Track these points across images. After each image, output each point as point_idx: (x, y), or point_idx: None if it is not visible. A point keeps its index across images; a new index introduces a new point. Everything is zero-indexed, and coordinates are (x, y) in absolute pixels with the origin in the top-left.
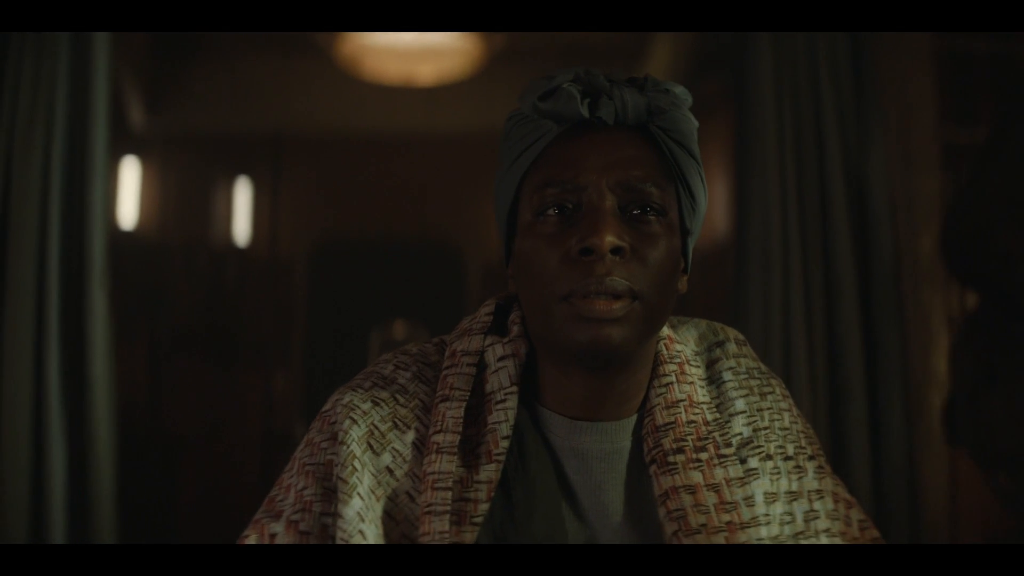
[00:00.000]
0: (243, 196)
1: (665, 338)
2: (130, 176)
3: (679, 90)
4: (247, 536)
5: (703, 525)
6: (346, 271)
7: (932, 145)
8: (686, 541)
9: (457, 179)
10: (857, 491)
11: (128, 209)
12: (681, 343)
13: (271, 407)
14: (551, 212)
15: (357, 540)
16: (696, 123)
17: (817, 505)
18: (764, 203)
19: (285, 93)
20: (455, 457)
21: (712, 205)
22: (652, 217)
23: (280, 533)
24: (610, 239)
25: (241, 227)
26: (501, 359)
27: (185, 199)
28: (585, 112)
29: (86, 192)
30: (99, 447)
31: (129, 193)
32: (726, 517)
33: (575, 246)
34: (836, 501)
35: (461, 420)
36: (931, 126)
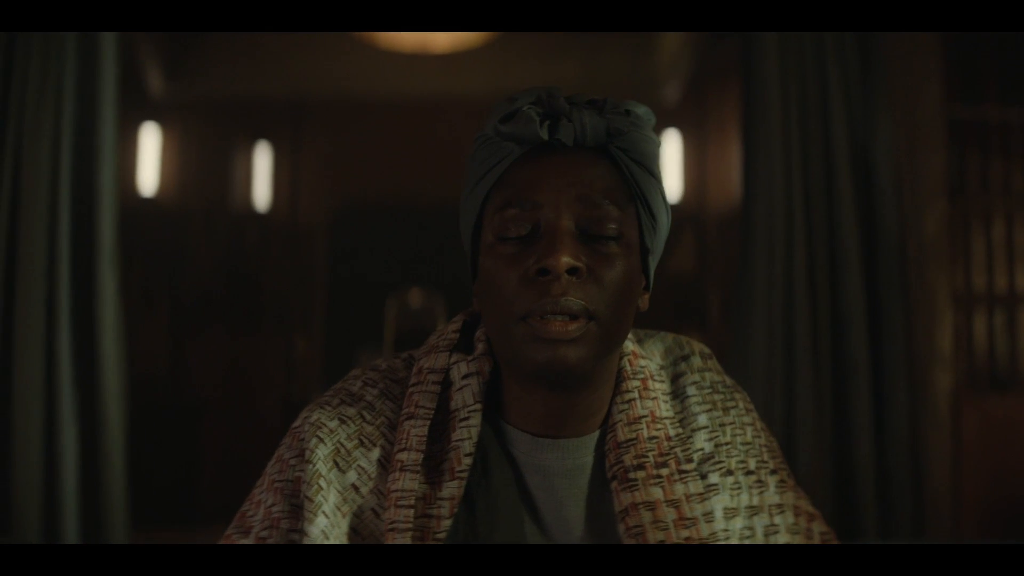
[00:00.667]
0: (263, 162)
1: (629, 353)
2: (150, 143)
3: (641, 110)
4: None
5: (661, 542)
6: (366, 236)
7: (938, 122)
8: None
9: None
10: (861, 467)
11: (148, 175)
12: (646, 358)
13: (292, 371)
14: (511, 233)
15: None
16: (659, 142)
17: (778, 519)
18: (769, 180)
19: (304, 59)
20: (418, 475)
21: (727, 172)
22: (610, 238)
23: None
24: (566, 259)
25: (261, 192)
26: (465, 377)
27: (205, 165)
28: (544, 134)
29: (96, 173)
30: (110, 427)
31: (149, 159)
32: (685, 533)
33: (532, 266)
34: (797, 515)
35: (425, 438)
36: (937, 103)
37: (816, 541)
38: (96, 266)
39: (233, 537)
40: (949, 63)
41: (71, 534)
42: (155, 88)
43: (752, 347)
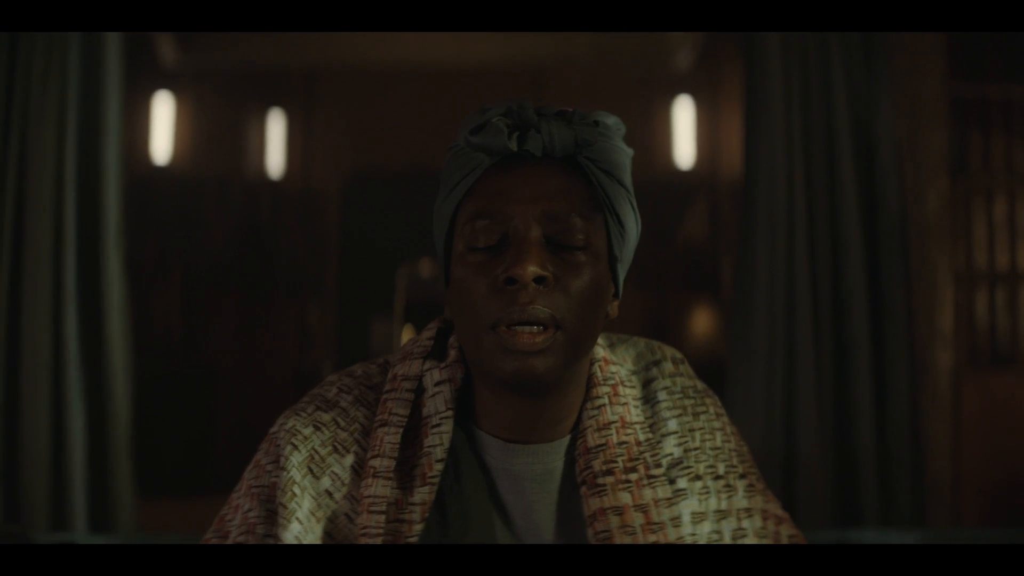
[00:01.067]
0: (276, 130)
1: (600, 359)
2: (163, 112)
3: (611, 120)
4: None
5: None
6: (379, 204)
7: (940, 100)
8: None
9: None
10: (861, 445)
11: (161, 145)
12: (617, 363)
13: (305, 339)
14: (480, 242)
15: None
16: (630, 151)
17: (745, 524)
18: (771, 159)
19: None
20: (390, 481)
21: (740, 139)
22: (577, 248)
23: None
24: (532, 269)
25: (274, 160)
26: (438, 384)
27: (218, 134)
28: (513, 146)
29: (100, 151)
30: (117, 405)
31: (162, 129)
32: (652, 537)
33: (500, 275)
34: (765, 519)
35: (397, 445)
36: (939, 81)
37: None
38: (102, 245)
39: (212, 540)
40: (951, 40)
41: (78, 507)
42: (167, 57)
43: (753, 325)
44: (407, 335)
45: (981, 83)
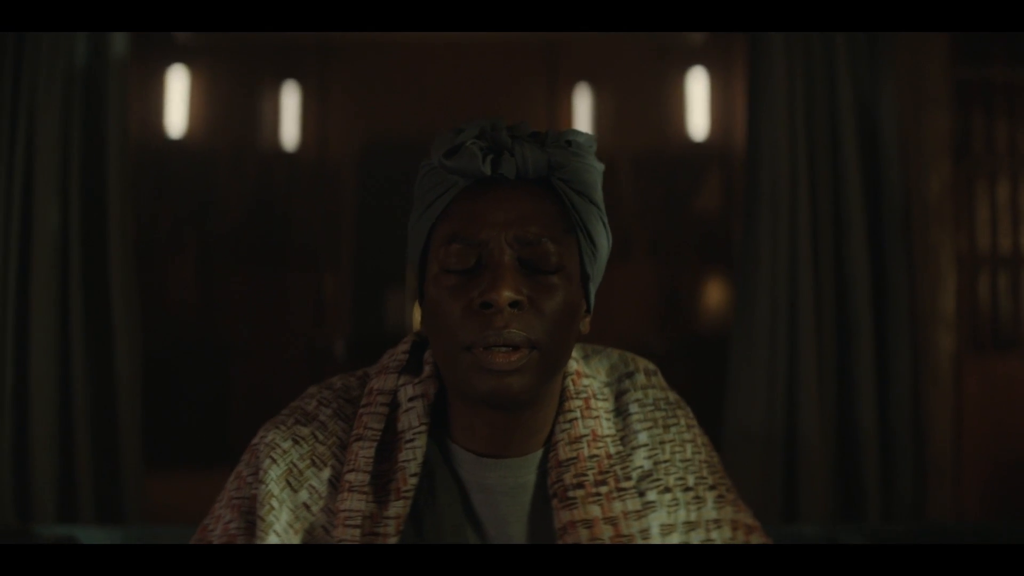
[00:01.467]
0: (291, 101)
1: (573, 373)
2: (177, 85)
3: (583, 138)
4: None
5: None
6: (394, 174)
7: (944, 83)
8: None
9: (504, 81)
10: (863, 426)
11: (176, 117)
12: (590, 376)
13: (319, 311)
14: (455, 265)
15: None
16: (601, 167)
17: (714, 535)
18: (773, 140)
19: None
20: (365, 495)
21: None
22: (550, 271)
23: None
24: (507, 294)
25: (289, 132)
26: (411, 399)
27: (232, 106)
28: (487, 170)
29: (105, 134)
30: (125, 391)
31: (176, 101)
32: None
33: (476, 299)
34: (735, 529)
35: (372, 459)
36: (943, 64)
37: None
38: (107, 227)
39: None
40: None
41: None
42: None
43: (756, 307)
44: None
45: (984, 66)
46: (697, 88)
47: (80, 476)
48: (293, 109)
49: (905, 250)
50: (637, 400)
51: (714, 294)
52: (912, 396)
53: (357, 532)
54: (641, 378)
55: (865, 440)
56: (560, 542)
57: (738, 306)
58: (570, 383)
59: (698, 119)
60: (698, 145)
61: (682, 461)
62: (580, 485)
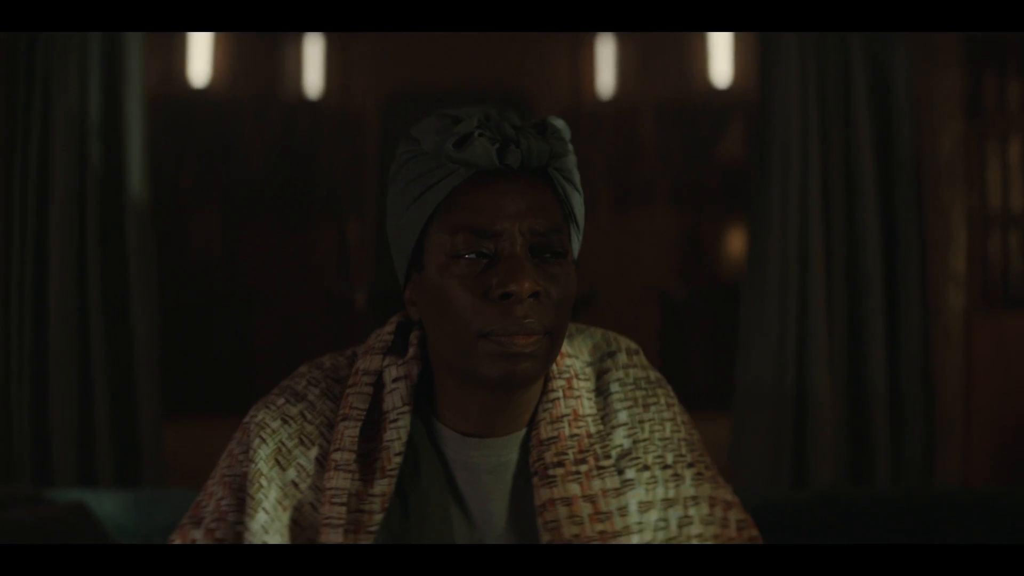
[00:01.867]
0: (314, 49)
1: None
2: (200, 35)
3: (562, 124)
4: (173, 540)
5: (575, 535)
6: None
7: (955, 40)
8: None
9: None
10: (873, 384)
11: (200, 67)
12: (573, 356)
13: (343, 259)
14: (465, 254)
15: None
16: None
17: (692, 511)
18: (785, 97)
19: None
20: (351, 474)
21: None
22: (557, 259)
23: (199, 539)
24: (529, 285)
25: (312, 81)
26: (395, 380)
27: (255, 55)
28: (497, 161)
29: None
30: (141, 349)
31: (201, 51)
32: (599, 527)
33: (495, 289)
34: (713, 505)
35: (356, 439)
36: None
37: (732, 529)
38: (125, 181)
39: (186, 527)
40: None
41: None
42: None
43: (766, 265)
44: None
45: None
46: (721, 38)
47: (99, 436)
48: (316, 58)
49: (916, 208)
50: (618, 380)
51: (736, 242)
52: (922, 354)
53: (343, 509)
54: (623, 357)
55: (875, 398)
56: (539, 519)
57: (749, 263)
58: (554, 364)
59: (721, 67)
60: (721, 92)
61: (661, 439)
62: (560, 464)
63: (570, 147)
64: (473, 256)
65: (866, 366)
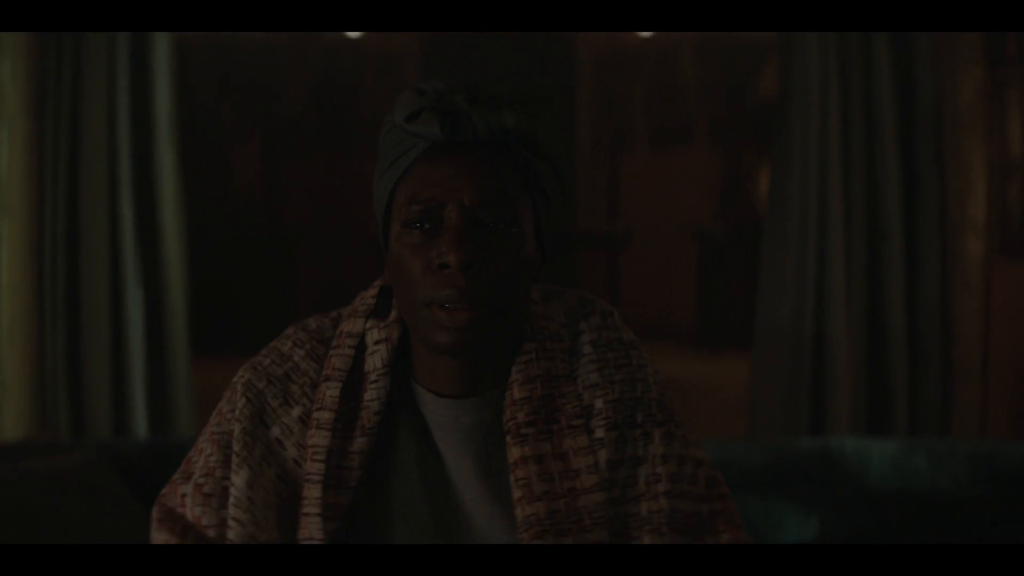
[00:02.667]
0: None
1: (530, 316)
2: None
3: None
4: (164, 495)
5: (546, 492)
6: (458, 63)
7: None
8: (528, 508)
9: None
10: (892, 331)
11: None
12: (548, 318)
13: None
14: (415, 226)
15: (245, 505)
16: (554, 123)
17: (660, 469)
18: (804, 45)
19: None
20: (331, 432)
21: None
22: (505, 230)
23: (189, 494)
24: (463, 256)
25: None
26: (377, 343)
27: None
28: (445, 135)
29: (151, 51)
30: (173, 293)
31: None
32: (569, 484)
33: (435, 260)
34: (682, 464)
35: (337, 399)
36: None
37: (701, 486)
38: (155, 139)
39: (177, 481)
40: None
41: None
42: None
43: (787, 211)
44: None
45: None
46: None
47: (132, 385)
48: None
49: (936, 156)
50: (591, 341)
51: None
52: (941, 301)
53: (323, 466)
54: (597, 319)
55: (893, 344)
56: (511, 476)
57: (769, 210)
58: (527, 326)
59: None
60: (757, 33)
61: (631, 400)
62: (532, 423)
63: (542, 117)
64: (422, 227)
65: (885, 312)
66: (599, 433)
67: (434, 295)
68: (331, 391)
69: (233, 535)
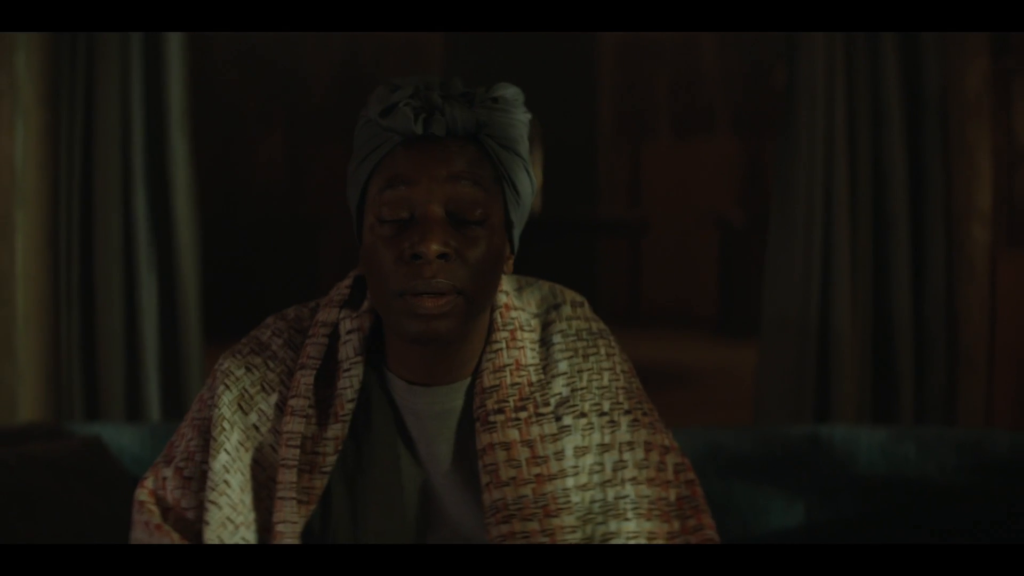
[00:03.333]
0: None
1: (501, 306)
2: None
3: (510, 93)
4: (146, 478)
5: (512, 478)
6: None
7: None
8: (495, 493)
9: None
10: (897, 319)
11: None
12: (519, 308)
13: None
14: (388, 216)
15: (222, 488)
16: (527, 117)
17: (627, 456)
18: (810, 35)
19: None
20: (305, 419)
21: None
22: (475, 222)
23: (169, 477)
24: (435, 247)
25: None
26: (349, 332)
27: None
28: (419, 129)
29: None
30: (186, 280)
31: None
32: (536, 470)
33: (407, 251)
34: (648, 451)
35: (312, 387)
36: None
37: (669, 472)
38: (167, 128)
39: (159, 465)
40: None
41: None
42: None
43: (793, 201)
44: None
45: None
46: None
47: (146, 370)
48: None
49: (942, 144)
50: (561, 331)
51: None
52: (947, 290)
53: (298, 452)
54: (567, 310)
55: (899, 332)
56: (480, 461)
57: (775, 197)
58: (498, 316)
59: None
60: None
61: (599, 388)
62: (501, 410)
63: (513, 114)
64: (395, 219)
65: (890, 301)
66: (566, 421)
67: (405, 285)
68: (305, 379)
69: (210, 518)
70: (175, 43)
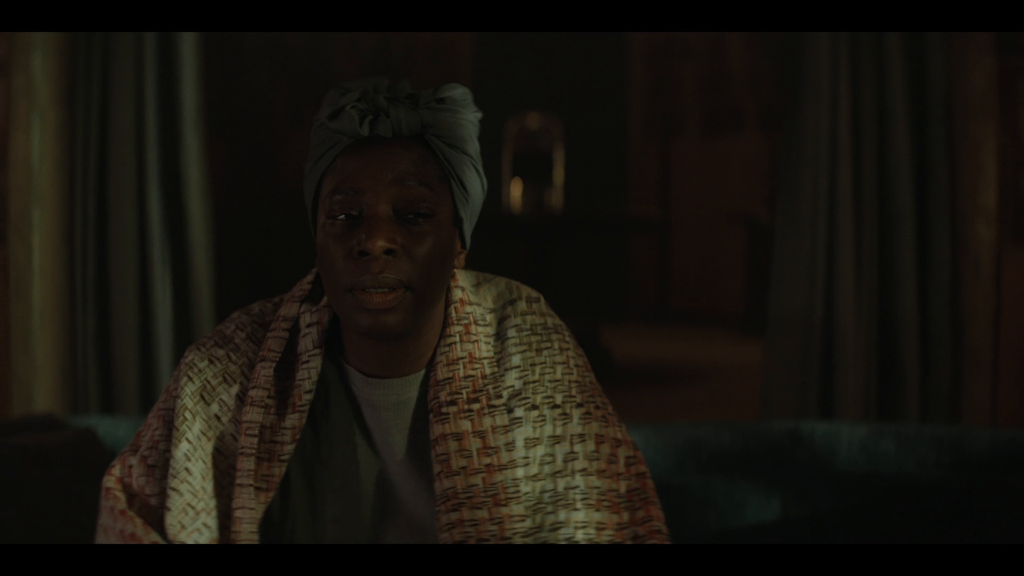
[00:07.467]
0: None
1: (456, 302)
2: None
3: (457, 93)
4: (113, 466)
5: (463, 467)
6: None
7: None
8: (446, 482)
9: None
10: (903, 318)
11: None
12: (475, 303)
13: None
14: (338, 215)
15: (183, 476)
16: (476, 117)
17: (578, 447)
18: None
19: None
20: (264, 409)
21: None
22: (422, 219)
23: (135, 465)
24: (381, 243)
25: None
26: (309, 325)
27: None
28: (365, 131)
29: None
30: (199, 275)
31: None
32: (486, 460)
33: (355, 247)
34: (600, 443)
35: (271, 378)
36: None
37: (620, 465)
38: (180, 127)
39: (126, 454)
40: None
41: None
42: None
43: (798, 197)
44: (515, 188)
45: None
46: None
47: (160, 364)
48: None
49: (947, 142)
50: (515, 325)
51: None
52: (952, 288)
53: (255, 440)
54: (522, 305)
55: (904, 330)
56: (432, 451)
57: (780, 195)
58: (452, 311)
59: None
60: None
61: (551, 381)
62: (453, 402)
63: (460, 115)
64: (344, 217)
65: (895, 299)
66: (518, 413)
67: (355, 280)
68: (265, 371)
69: (171, 504)
70: (189, 43)
